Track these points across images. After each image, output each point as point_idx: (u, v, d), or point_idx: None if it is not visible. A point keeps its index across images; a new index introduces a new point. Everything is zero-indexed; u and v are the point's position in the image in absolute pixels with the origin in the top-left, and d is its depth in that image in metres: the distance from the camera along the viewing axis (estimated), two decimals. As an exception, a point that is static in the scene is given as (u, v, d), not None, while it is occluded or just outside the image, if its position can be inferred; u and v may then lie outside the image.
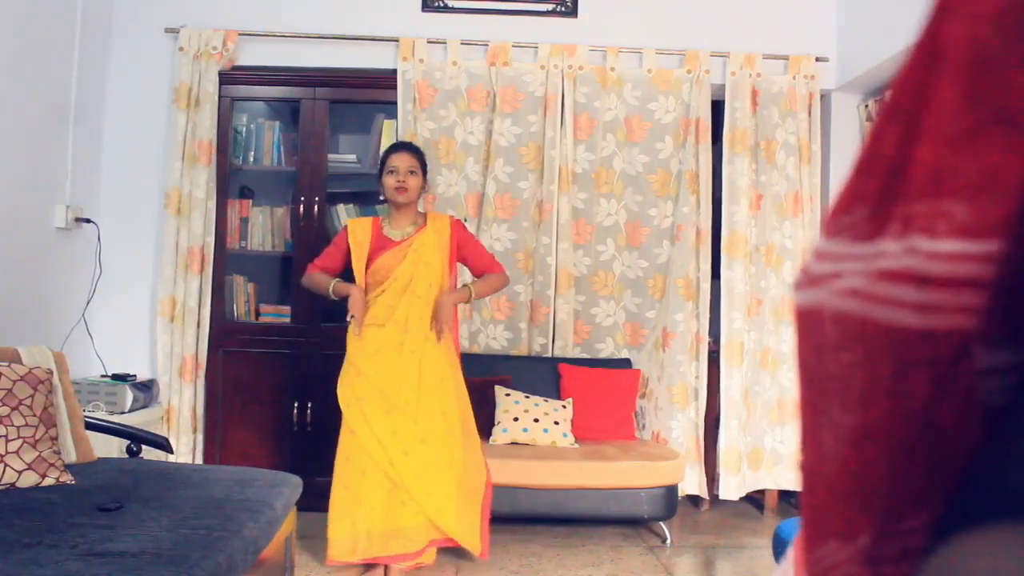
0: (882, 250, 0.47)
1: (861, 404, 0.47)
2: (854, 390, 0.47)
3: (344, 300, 3.62)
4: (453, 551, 3.80)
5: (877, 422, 0.46)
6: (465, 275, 4.16)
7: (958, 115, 0.46)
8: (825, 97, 5.04)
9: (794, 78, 4.88)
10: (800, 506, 0.53)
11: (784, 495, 4.99)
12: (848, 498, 0.48)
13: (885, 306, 0.46)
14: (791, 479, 4.86)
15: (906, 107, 0.48)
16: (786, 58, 4.92)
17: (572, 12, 4.92)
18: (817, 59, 4.90)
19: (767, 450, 4.87)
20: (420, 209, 3.96)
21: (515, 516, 4.19)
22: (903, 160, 0.47)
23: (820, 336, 0.50)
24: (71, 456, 2.96)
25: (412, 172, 3.67)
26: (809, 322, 0.51)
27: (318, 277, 3.72)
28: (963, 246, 0.44)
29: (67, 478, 2.72)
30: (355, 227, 3.76)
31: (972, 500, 0.44)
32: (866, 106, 4.90)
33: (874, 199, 0.48)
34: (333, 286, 3.66)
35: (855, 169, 0.49)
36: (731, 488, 4.75)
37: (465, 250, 3.77)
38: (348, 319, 3.59)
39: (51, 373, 2.95)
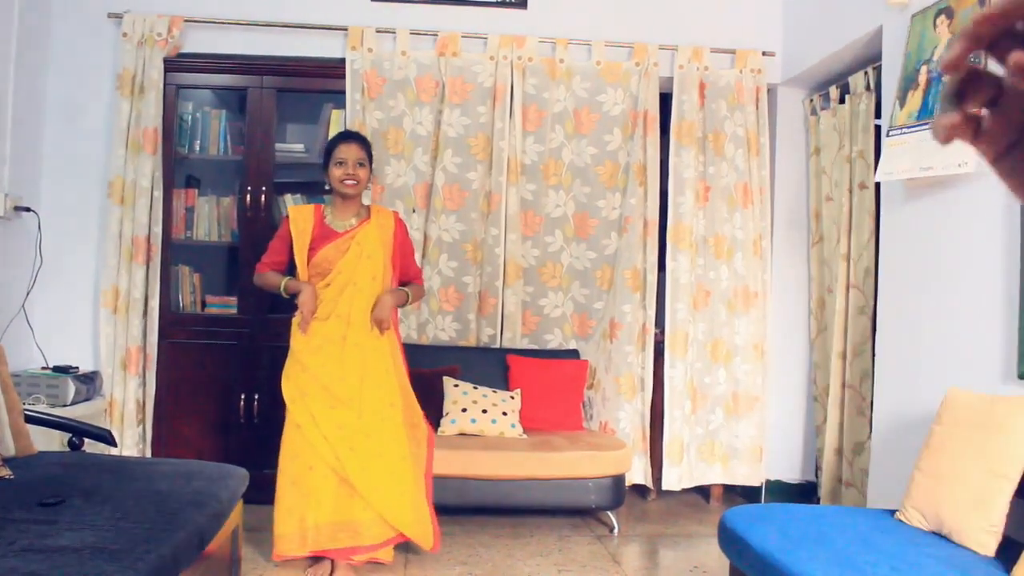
0: None
1: None
2: None
3: (295, 296, 3.59)
4: (403, 543, 3.79)
5: None
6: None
7: None
8: (772, 91, 5.10)
9: (741, 72, 4.94)
10: None
11: (730, 486, 5.06)
12: None
13: None
14: (746, 474, 4.92)
15: None
16: (733, 52, 4.97)
17: (522, 3, 4.92)
18: (764, 53, 4.96)
19: (723, 444, 4.93)
20: (365, 202, 3.93)
21: (464, 507, 4.21)
22: None
23: None
24: (10, 450, 2.91)
25: (361, 164, 3.63)
26: None
27: (269, 275, 3.68)
28: None
29: (5, 472, 2.67)
30: (297, 215, 3.70)
31: None
32: (811, 100, 4.97)
33: None
34: (284, 284, 3.62)
35: None
36: (673, 479, 4.81)
37: (403, 252, 3.75)
38: (294, 318, 3.57)
39: (-11, 365, 2.89)
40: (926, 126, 3.37)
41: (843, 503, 4.34)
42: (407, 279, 3.79)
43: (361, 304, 3.56)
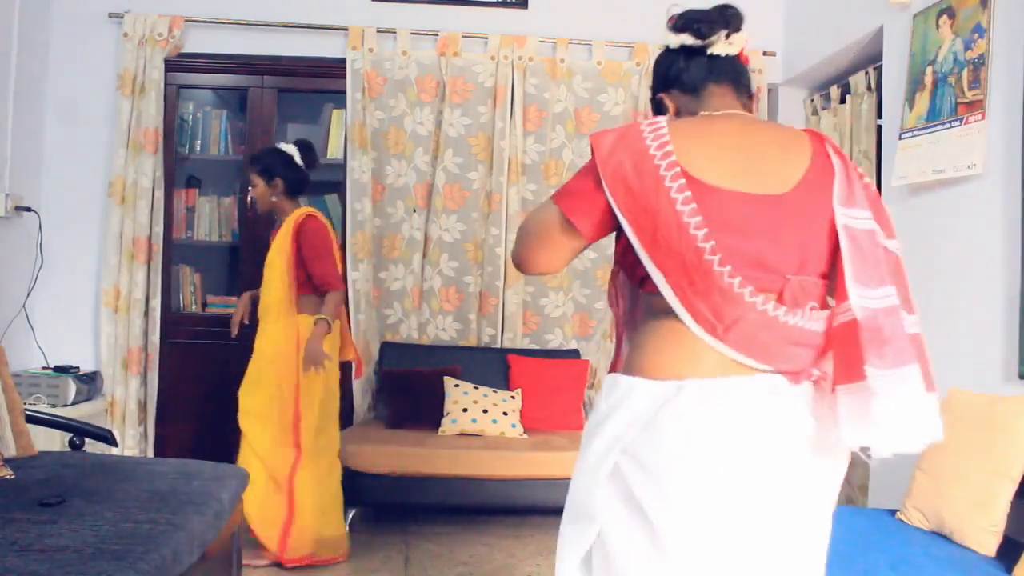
0: None
1: None
2: None
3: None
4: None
5: None
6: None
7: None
8: (772, 91, 5.10)
9: (741, 72, 4.93)
10: None
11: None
12: None
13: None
14: None
15: None
16: (734, 52, 4.96)
17: (523, 3, 4.92)
18: (764, 53, 4.96)
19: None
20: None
21: (464, 507, 4.21)
22: None
23: None
24: (11, 450, 2.90)
25: (251, 186, 3.80)
26: None
27: None
28: None
29: (6, 472, 2.67)
30: None
31: None
32: (812, 100, 4.97)
33: None
34: None
35: None
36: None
37: (304, 255, 3.69)
38: None
39: (-10, 365, 2.89)
40: (935, 128, 3.37)
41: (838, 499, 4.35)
42: (320, 284, 3.70)
43: (262, 309, 3.73)
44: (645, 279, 1.55)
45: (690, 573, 1.47)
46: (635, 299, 1.74)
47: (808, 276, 1.54)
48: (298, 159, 3.78)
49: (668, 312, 1.51)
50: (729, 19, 1.70)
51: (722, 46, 1.70)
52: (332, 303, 3.66)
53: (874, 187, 1.65)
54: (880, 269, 1.55)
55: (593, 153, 1.54)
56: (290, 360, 3.63)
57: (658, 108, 1.79)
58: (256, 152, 3.91)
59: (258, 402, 3.68)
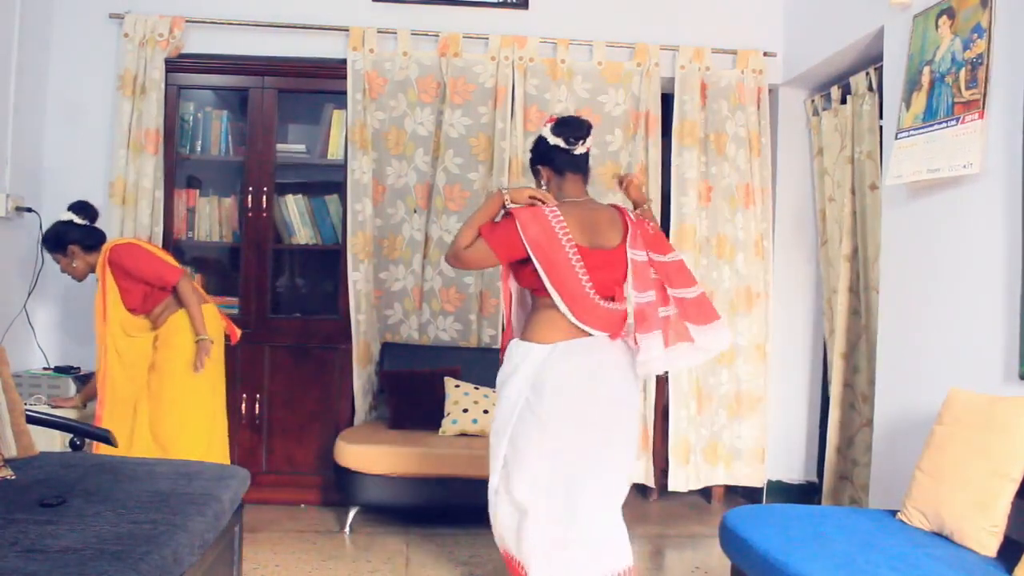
0: None
1: None
2: None
3: None
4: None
5: None
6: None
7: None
8: (773, 91, 5.10)
9: (742, 72, 4.93)
10: None
11: (731, 487, 5.05)
12: None
13: None
14: (749, 475, 4.93)
15: None
16: (735, 52, 4.97)
17: (523, 4, 4.92)
18: (765, 54, 4.96)
19: (727, 445, 4.92)
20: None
21: (466, 507, 4.20)
22: None
23: None
24: (11, 451, 2.90)
25: (56, 262, 3.95)
26: None
27: None
28: None
29: (7, 473, 2.67)
30: None
31: None
32: (812, 101, 4.97)
33: None
34: None
35: None
36: (680, 480, 4.80)
37: (134, 276, 3.81)
38: None
39: (-10, 366, 2.89)
40: (932, 128, 3.37)
41: (842, 499, 4.36)
42: (161, 286, 3.84)
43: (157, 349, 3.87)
44: (539, 291, 2.89)
45: (559, 438, 2.83)
46: (523, 299, 3.10)
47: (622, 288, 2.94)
48: (78, 220, 3.90)
49: (552, 307, 2.85)
50: (585, 129, 2.99)
51: (579, 148, 3.00)
52: (191, 306, 3.79)
53: (654, 228, 3.06)
54: (648, 282, 2.91)
55: (515, 221, 2.81)
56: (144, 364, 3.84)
57: (536, 173, 3.07)
58: (42, 237, 4.01)
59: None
